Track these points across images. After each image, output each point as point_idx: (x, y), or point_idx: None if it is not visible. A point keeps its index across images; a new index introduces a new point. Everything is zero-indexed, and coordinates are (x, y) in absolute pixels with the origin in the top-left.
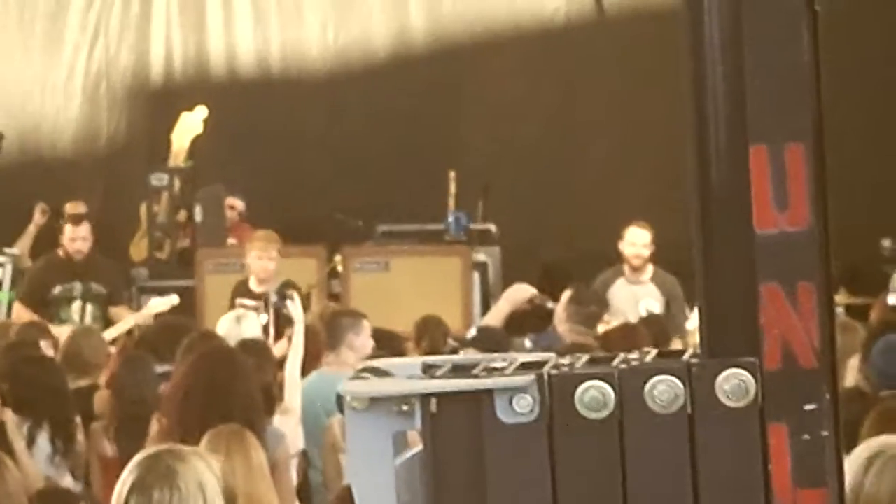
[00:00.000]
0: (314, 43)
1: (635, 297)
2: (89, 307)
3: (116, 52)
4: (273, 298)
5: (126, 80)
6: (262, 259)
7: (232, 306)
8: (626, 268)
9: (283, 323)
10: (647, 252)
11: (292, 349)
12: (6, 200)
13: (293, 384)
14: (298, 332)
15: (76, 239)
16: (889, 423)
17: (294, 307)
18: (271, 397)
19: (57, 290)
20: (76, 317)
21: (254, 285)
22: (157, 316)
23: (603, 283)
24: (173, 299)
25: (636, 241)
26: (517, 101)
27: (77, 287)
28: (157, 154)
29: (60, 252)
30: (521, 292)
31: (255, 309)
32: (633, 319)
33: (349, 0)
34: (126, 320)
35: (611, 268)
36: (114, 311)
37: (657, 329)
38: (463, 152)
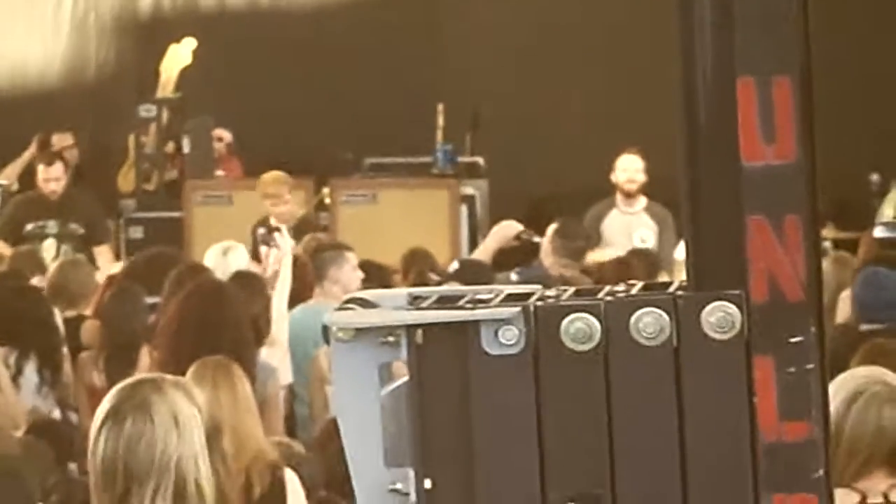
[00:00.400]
0: None
1: (629, 228)
2: (64, 247)
3: None
4: (261, 231)
5: (114, 11)
6: (276, 205)
7: (254, 237)
8: (618, 198)
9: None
10: (640, 178)
11: (279, 281)
12: None
13: (280, 316)
14: (286, 265)
15: (49, 179)
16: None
17: (281, 239)
18: (259, 329)
19: (29, 226)
20: (48, 255)
21: (274, 221)
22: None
23: (596, 214)
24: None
25: (628, 167)
26: (506, 34)
27: (51, 225)
28: (146, 85)
29: (35, 192)
30: (507, 229)
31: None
32: (627, 249)
33: None
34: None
35: (603, 199)
36: (97, 250)
37: (648, 262)
38: (451, 85)
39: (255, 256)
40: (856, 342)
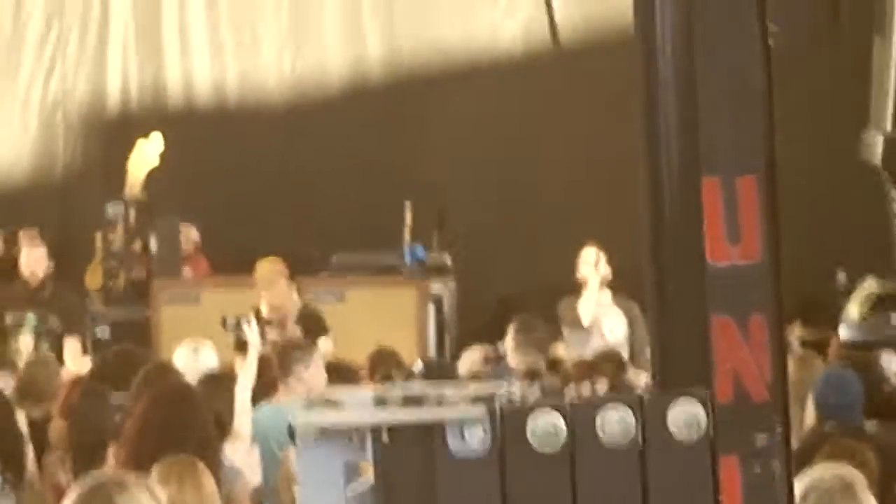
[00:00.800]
0: (271, 73)
1: (598, 319)
2: (43, 345)
3: (73, 82)
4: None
5: (82, 110)
6: (271, 295)
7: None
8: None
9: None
10: (602, 270)
11: (243, 373)
12: None
13: (242, 409)
14: (251, 356)
15: (33, 260)
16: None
17: (249, 331)
18: (222, 424)
19: (9, 319)
20: (25, 350)
21: (267, 313)
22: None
23: (569, 304)
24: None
25: (589, 259)
26: (473, 132)
27: (30, 319)
28: (113, 184)
29: (18, 277)
30: (473, 357)
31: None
32: (599, 339)
33: (306, 30)
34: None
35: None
36: (67, 340)
37: (615, 363)
38: (419, 183)
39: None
40: (820, 442)
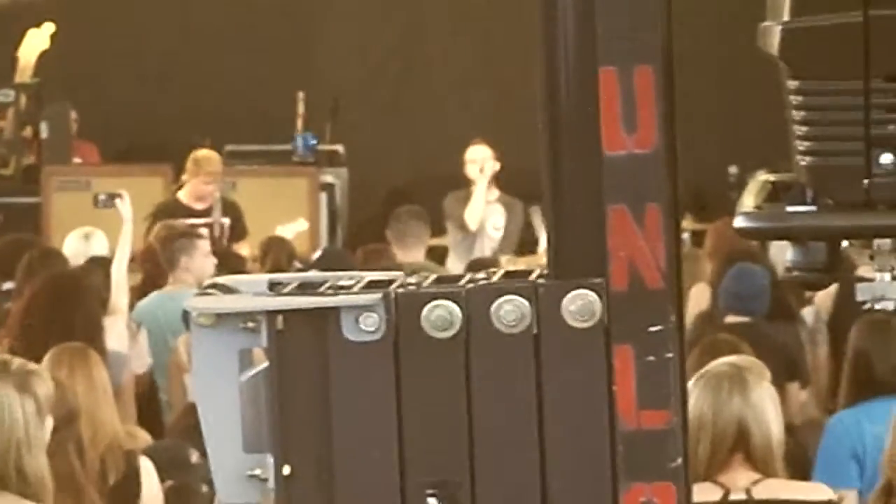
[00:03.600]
0: None
1: (484, 219)
2: None
3: None
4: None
5: None
6: (210, 184)
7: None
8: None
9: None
10: (489, 166)
11: (119, 248)
12: None
13: (118, 285)
14: (126, 232)
15: None
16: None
17: (123, 206)
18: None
19: None
20: None
21: (192, 202)
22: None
23: (456, 199)
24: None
25: (476, 157)
26: (366, 21)
27: None
28: (4, 70)
29: None
30: None
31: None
32: (485, 241)
33: None
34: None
35: (455, 191)
36: None
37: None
38: (312, 74)
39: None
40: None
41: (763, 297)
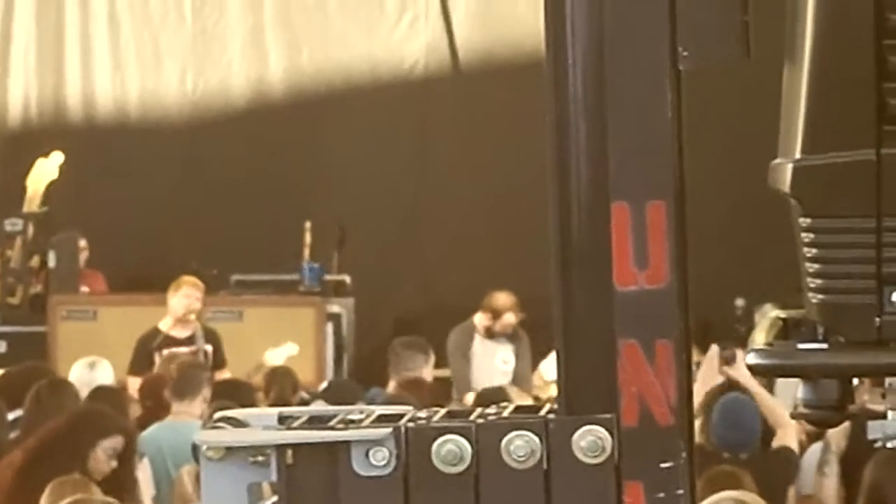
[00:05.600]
0: (172, 91)
1: (493, 352)
2: None
3: None
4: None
5: None
6: (188, 298)
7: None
8: (480, 329)
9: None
10: (512, 320)
11: None
12: None
13: None
14: None
15: None
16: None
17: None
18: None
19: None
20: None
21: (173, 330)
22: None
23: (458, 344)
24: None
25: (509, 322)
26: (375, 153)
27: None
28: (12, 199)
29: None
30: None
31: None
32: (492, 372)
33: (208, 49)
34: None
35: (460, 324)
36: None
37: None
38: (319, 203)
39: (133, 371)
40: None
41: (751, 436)
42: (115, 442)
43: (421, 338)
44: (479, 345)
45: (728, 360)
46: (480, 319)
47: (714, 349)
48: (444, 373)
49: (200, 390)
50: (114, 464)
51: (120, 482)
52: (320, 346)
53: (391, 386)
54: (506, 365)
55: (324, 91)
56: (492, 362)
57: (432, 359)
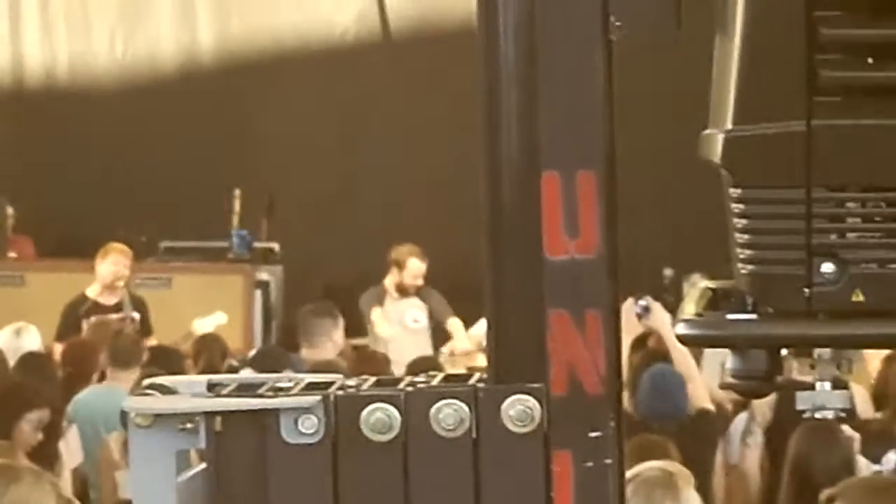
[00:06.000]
0: (102, 56)
1: (402, 311)
2: None
3: None
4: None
5: None
6: (117, 265)
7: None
8: (391, 288)
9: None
10: (420, 281)
11: None
12: None
13: None
14: None
15: None
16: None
17: None
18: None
19: None
20: None
21: (100, 297)
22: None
23: (368, 303)
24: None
25: (417, 272)
26: (303, 120)
27: None
28: None
29: None
30: None
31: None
32: (403, 332)
33: (137, 14)
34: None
35: (371, 287)
36: None
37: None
38: (249, 171)
39: (59, 337)
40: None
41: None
42: (40, 415)
43: (329, 302)
44: (388, 306)
45: (644, 311)
46: (389, 278)
47: (629, 301)
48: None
49: (140, 360)
50: (39, 436)
51: (45, 453)
52: (249, 313)
53: (302, 352)
54: (416, 324)
55: (254, 58)
56: (401, 320)
57: (341, 323)
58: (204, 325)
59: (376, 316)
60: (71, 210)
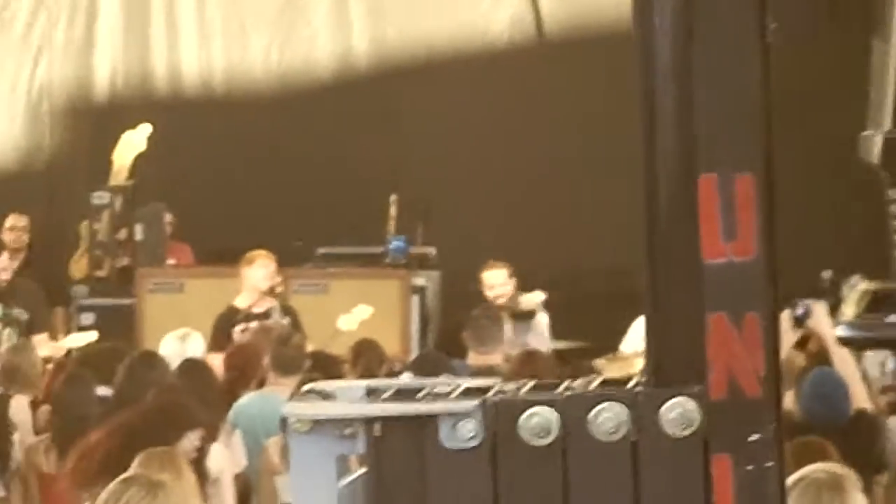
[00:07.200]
0: (258, 64)
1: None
2: (7, 331)
3: (60, 70)
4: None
5: (69, 98)
6: (265, 269)
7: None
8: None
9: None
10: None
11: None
12: None
13: None
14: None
15: None
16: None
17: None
18: (213, 418)
19: None
20: None
21: (248, 307)
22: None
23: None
24: (91, 336)
25: (494, 282)
26: (459, 124)
27: None
28: (99, 172)
29: None
30: None
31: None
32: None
33: (293, 23)
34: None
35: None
36: (35, 339)
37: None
38: (404, 176)
39: (212, 348)
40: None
41: (840, 408)
42: (199, 434)
43: (495, 307)
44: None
45: (804, 314)
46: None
47: (785, 313)
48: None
49: (302, 367)
50: (194, 455)
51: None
52: (406, 318)
53: (470, 357)
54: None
55: (409, 63)
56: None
57: (509, 328)
58: (349, 321)
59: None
60: (228, 217)
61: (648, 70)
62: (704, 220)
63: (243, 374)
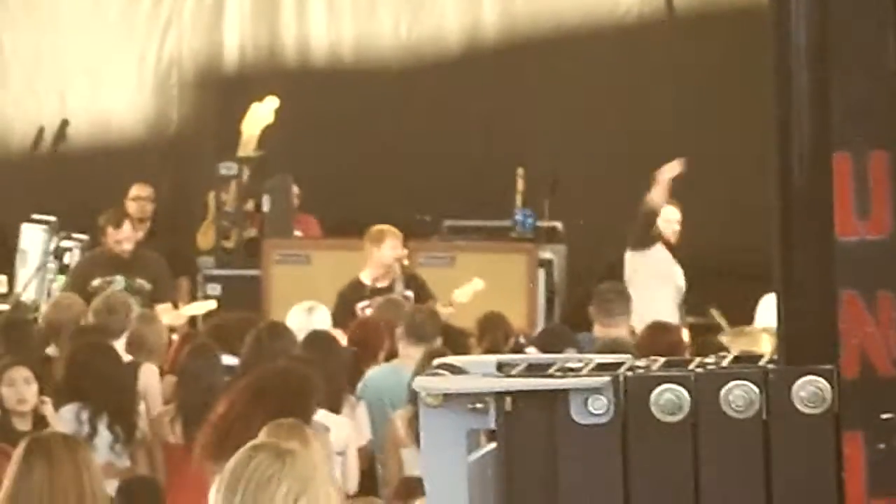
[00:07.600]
0: (386, 37)
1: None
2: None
3: (189, 41)
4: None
5: (197, 69)
6: (395, 249)
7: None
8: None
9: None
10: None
11: None
12: (75, 186)
13: None
14: None
15: (120, 241)
16: None
17: None
18: (337, 391)
19: (96, 281)
20: None
21: (373, 281)
22: (210, 313)
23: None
24: (210, 304)
25: (671, 217)
26: (587, 99)
27: (119, 280)
28: (227, 143)
29: (105, 248)
30: None
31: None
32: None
33: None
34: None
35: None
36: (158, 308)
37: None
38: (532, 150)
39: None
40: None
41: None
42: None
43: (621, 282)
44: (660, 251)
45: None
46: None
47: None
48: None
49: (436, 334)
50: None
51: None
52: (532, 292)
53: (596, 330)
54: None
55: (537, 37)
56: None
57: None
58: (463, 293)
59: None
60: (354, 189)
61: (784, 49)
62: (838, 197)
63: (367, 347)
